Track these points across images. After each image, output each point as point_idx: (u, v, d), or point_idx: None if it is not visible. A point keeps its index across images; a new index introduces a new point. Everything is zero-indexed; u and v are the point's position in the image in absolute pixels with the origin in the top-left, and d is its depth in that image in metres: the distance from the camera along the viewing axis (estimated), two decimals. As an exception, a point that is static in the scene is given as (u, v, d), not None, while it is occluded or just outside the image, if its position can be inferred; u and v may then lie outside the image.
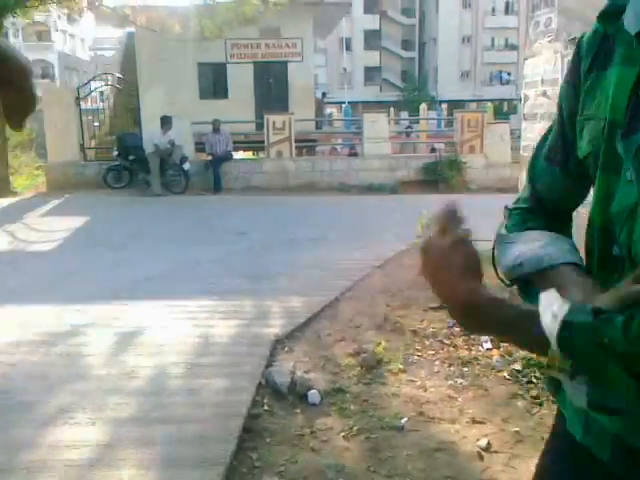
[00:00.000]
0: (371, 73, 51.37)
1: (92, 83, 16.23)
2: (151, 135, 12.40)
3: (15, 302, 5.07)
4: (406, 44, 53.87)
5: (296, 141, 13.92)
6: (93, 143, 15.59)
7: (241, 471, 2.71)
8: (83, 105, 14.34)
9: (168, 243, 7.70)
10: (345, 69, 46.64)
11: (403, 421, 3.09)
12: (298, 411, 3.24)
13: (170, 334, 4.33)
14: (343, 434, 2.99)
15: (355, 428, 3.03)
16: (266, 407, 3.28)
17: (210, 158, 13.10)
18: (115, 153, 13.10)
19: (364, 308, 4.80)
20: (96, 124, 16.22)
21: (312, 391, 3.35)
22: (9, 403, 3.28)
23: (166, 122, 12.33)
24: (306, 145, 15.94)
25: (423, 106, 23.50)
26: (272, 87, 17.42)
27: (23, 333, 4.32)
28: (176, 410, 3.17)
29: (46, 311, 4.86)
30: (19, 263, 6.75)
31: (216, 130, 13.13)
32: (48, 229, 8.77)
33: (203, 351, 4.02)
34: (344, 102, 30.41)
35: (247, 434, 3.00)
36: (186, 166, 12.44)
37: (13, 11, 13.34)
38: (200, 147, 13.58)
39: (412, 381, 3.56)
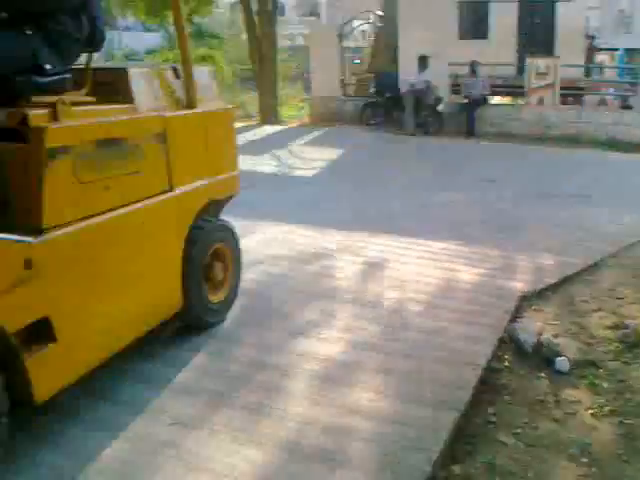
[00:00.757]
0: (659, 17, 44.48)
1: (355, 21, 16.58)
2: (407, 74, 12.36)
3: (277, 220, 5.52)
4: None
5: (560, 88, 12.73)
6: (353, 80, 16.08)
7: (475, 422, 2.63)
8: (346, 43, 14.76)
9: (415, 182, 7.70)
10: (623, 11, 40.97)
11: (668, 412, 2.70)
12: (542, 375, 3.03)
13: (412, 271, 4.34)
14: (592, 411, 2.72)
15: (607, 408, 2.73)
16: (507, 363, 3.13)
17: (465, 101, 12.66)
18: (372, 90, 13.35)
19: (629, 279, 4.26)
20: (357, 61, 16.65)
21: (561, 358, 3.10)
22: (268, 309, 3.61)
23: (423, 62, 12.16)
24: (571, 93, 14.50)
25: None
26: (537, 28, 15.99)
27: (281, 248, 4.70)
28: (415, 347, 3.18)
29: (302, 231, 5.22)
30: (283, 185, 7.34)
31: (473, 72, 12.58)
32: (309, 157, 9.37)
33: (445, 294, 3.96)
34: (617, 49, 26.90)
35: (484, 386, 2.89)
36: (440, 107, 12.21)
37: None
38: (456, 89, 13.18)
39: (683, 370, 3.10)
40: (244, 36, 16.00)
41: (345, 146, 10.39)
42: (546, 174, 8.47)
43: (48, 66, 2.39)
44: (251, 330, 3.32)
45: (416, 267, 4.44)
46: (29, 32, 2.37)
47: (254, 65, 13.91)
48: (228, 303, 3.47)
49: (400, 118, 12.42)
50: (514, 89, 14.20)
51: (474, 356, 3.09)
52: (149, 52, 23.33)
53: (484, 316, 3.60)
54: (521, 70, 13.26)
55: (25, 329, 2.11)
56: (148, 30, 25.32)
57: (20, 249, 2.09)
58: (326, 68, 14.00)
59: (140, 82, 2.84)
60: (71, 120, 2.36)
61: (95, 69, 2.70)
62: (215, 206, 3.41)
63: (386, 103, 12.92)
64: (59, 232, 2.25)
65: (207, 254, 3.23)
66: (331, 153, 9.74)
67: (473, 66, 12.57)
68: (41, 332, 2.18)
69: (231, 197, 3.57)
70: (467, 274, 4.33)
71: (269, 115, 13.63)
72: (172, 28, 23.50)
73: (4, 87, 2.26)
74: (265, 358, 3.00)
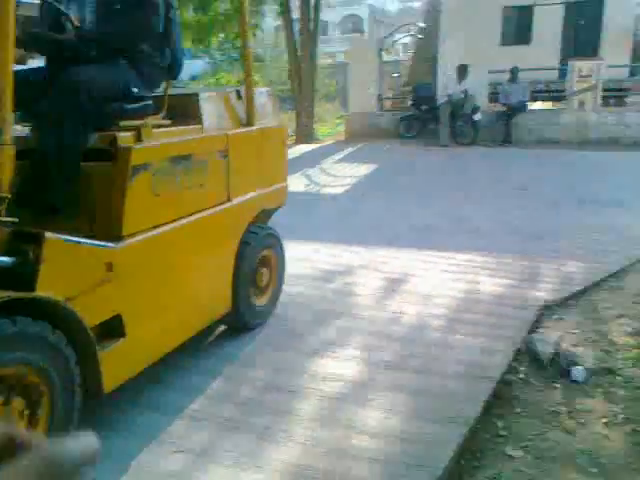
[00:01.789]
0: None
1: (396, 34, 16.64)
2: (445, 85, 12.32)
3: (302, 238, 5.60)
4: None
5: (604, 90, 12.43)
6: (391, 93, 16.12)
7: (483, 436, 2.62)
8: (386, 57, 14.83)
9: (443, 195, 7.66)
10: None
11: (685, 421, 2.62)
12: (557, 386, 2.99)
13: (434, 285, 4.34)
14: (605, 420, 2.67)
15: (620, 417, 2.68)
16: (522, 375, 3.10)
17: (504, 109, 12.50)
18: (410, 103, 13.37)
19: (657, 284, 4.15)
20: (396, 74, 16.69)
21: (577, 367, 3.05)
22: (283, 329, 3.67)
23: (462, 71, 12.10)
24: (615, 94, 14.12)
25: None
26: (582, 30, 15.66)
27: (304, 267, 4.77)
28: (428, 362, 3.19)
29: (326, 249, 5.29)
30: (311, 203, 7.43)
31: (513, 79, 12.43)
32: (341, 174, 9.45)
33: (465, 307, 3.95)
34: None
35: (496, 400, 2.88)
36: (477, 116, 12.10)
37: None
38: (494, 96, 13.04)
39: None
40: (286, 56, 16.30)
41: (377, 161, 10.43)
42: (581, 179, 8.29)
43: (136, 93, 2.69)
44: (265, 352, 3.38)
45: (439, 281, 4.44)
46: (123, 62, 2.70)
47: (293, 85, 14.15)
48: (270, 306, 3.77)
49: (435, 129, 12.39)
50: (556, 94, 13.96)
51: (488, 369, 3.08)
52: (193, 78, 24.00)
53: (503, 328, 3.57)
54: (564, 74, 13.01)
55: (100, 325, 2.38)
56: (194, 57, 26.14)
57: (103, 253, 2.38)
58: (364, 83, 14.10)
59: (208, 105, 3.17)
60: (151, 140, 2.68)
61: (171, 95, 2.98)
62: (265, 215, 3.74)
63: (423, 115, 12.91)
64: (135, 239, 2.54)
65: (256, 260, 3.53)
66: (363, 169, 9.80)
67: (513, 72, 12.41)
68: (113, 328, 2.46)
69: (280, 206, 3.88)
70: (490, 285, 4.31)
71: (305, 134, 13.82)
72: (217, 55, 24.24)
73: (99, 112, 2.53)
74: (277, 380, 3.04)
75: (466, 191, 7.88)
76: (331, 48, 33.20)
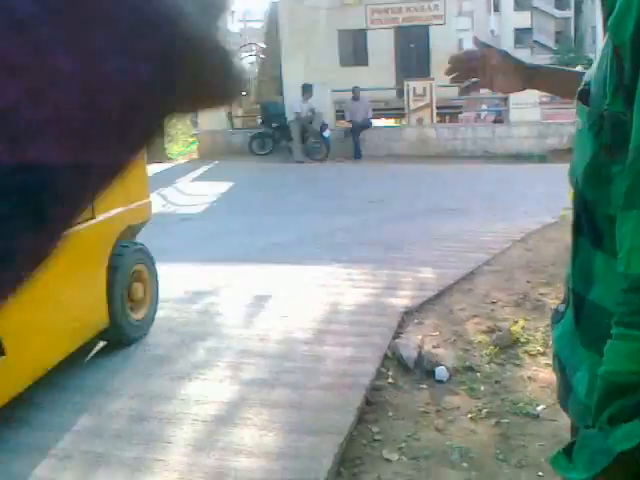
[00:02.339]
0: (521, 35, 47.69)
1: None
2: (292, 103, 12.62)
3: (160, 261, 5.36)
4: (560, 3, 49.60)
5: (438, 107, 13.45)
6: (240, 112, 16.18)
7: (360, 442, 2.65)
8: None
9: (304, 210, 7.80)
10: (493, 32, 43.94)
11: (539, 408, 2.84)
12: (424, 387, 3.11)
13: (299, 300, 4.36)
14: (470, 416, 2.82)
15: (484, 411, 2.85)
16: (390, 380, 3.18)
17: (350, 126, 13.06)
18: (259, 121, 13.48)
19: (502, 283, 4.51)
20: (243, 93, 16.76)
21: (440, 367, 3.20)
22: (148, 355, 3.48)
23: (307, 90, 12.46)
24: (448, 112, 15.35)
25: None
26: (413, 53, 16.88)
27: (166, 289, 4.56)
28: (300, 376, 3.17)
29: (186, 270, 5.10)
30: (168, 225, 7.17)
31: (356, 98, 13.04)
32: (196, 193, 9.28)
33: (330, 318, 4.00)
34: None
35: (369, 406, 2.93)
36: (326, 133, 12.52)
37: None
38: (340, 114, 13.58)
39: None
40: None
41: (232, 179, 10.38)
42: (428, 191, 8.88)
43: None
44: (133, 380, 3.19)
45: (303, 295, 4.45)
46: None
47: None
48: (149, 321, 3.83)
49: (288, 147, 12.61)
50: (396, 111, 14.85)
51: (358, 377, 3.13)
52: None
53: (368, 336, 3.66)
54: (401, 93, 13.87)
55: None
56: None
57: None
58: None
59: None
60: None
61: None
62: (132, 231, 3.79)
63: (274, 133, 13.08)
64: None
65: (128, 275, 3.57)
66: (218, 187, 9.71)
67: (355, 91, 13.02)
68: None
69: (144, 223, 3.93)
70: (352, 296, 4.41)
71: (157, 153, 13.39)
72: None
73: None
74: (147, 409, 2.87)
75: (322, 205, 8.07)
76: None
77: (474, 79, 1.37)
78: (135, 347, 3.57)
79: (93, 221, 3.19)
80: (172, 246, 6.03)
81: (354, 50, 17.08)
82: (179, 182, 10.40)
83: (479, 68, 1.33)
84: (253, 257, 5.52)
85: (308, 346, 3.56)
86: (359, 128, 12.88)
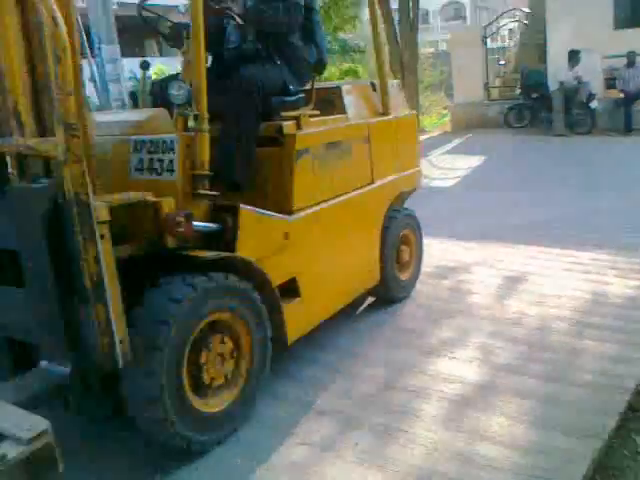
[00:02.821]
0: None
1: (500, 20, 16.01)
2: (556, 71, 11.72)
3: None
4: None
5: None
6: (498, 82, 15.54)
7: (622, 453, 2.43)
8: (490, 44, 14.31)
9: (564, 187, 7.26)
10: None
11: None
12: None
13: (556, 285, 4.11)
14: None
15: None
16: (661, 388, 2.84)
17: (622, 95, 11.69)
18: (518, 91, 12.82)
19: None
20: (502, 62, 16.05)
21: None
22: (397, 325, 3.63)
23: (573, 57, 11.47)
24: None
25: None
26: None
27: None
28: (555, 368, 3.00)
29: (437, 245, 5.13)
30: (420, 197, 7.24)
31: (630, 64, 11.59)
32: (449, 167, 9.22)
33: (592, 310, 3.70)
34: None
35: (633, 413, 2.66)
36: (593, 104, 11.42)
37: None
38: (611, 83, 12.22)
39: None
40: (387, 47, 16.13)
41: (487, 152, 10.07)
42: None
43: (292, 88, 3.07)
44: (381, 349, 3.34)
45: (561, 281, 4.19)
46: (279, 62, 3.08)
47: (396, 76, 13.96)
48: (413, 282, 4.11)
49: (548, 118, 11.80)
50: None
51: (622, 378, 2.86)
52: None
53: (635, 334, 3.31)
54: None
55: (280, 286, 2.80)
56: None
57: (282, 224, 2.82)
58: (468, 72, 13.66)
59: (349, 96, 3.50)
60: (309, 128, 3.02)
61: (316, 88, 3.27)
62: (402, 198, 4.08)
63: (533, 104, 12.34)
64: (303, 213, 2.96)
65: (398, 238, 3.86)
66: (471, 161, 9.50)
67: (629, 57, 11.60)
68: (291, 289, 2.90)
69: (414, 190, 4.21)
70: (620, 287, 4.02)
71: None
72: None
73: (265, 106, 2.89)
74: (395, 378, 2.99)
75: (586, 183, 7.43)
76: (433, 37, 32.44)
77: None
78: (385, 317, 3.73)
79: (373, 186, 3.57)
80: (424, 219, 6.08)
81: (632, 10, 15.09)
82: (432, 155, 10.42)
83: None
84: (508, 235, 5.33)
85: (565, 337, 3.34)
86: (632, 98, 11.47)
